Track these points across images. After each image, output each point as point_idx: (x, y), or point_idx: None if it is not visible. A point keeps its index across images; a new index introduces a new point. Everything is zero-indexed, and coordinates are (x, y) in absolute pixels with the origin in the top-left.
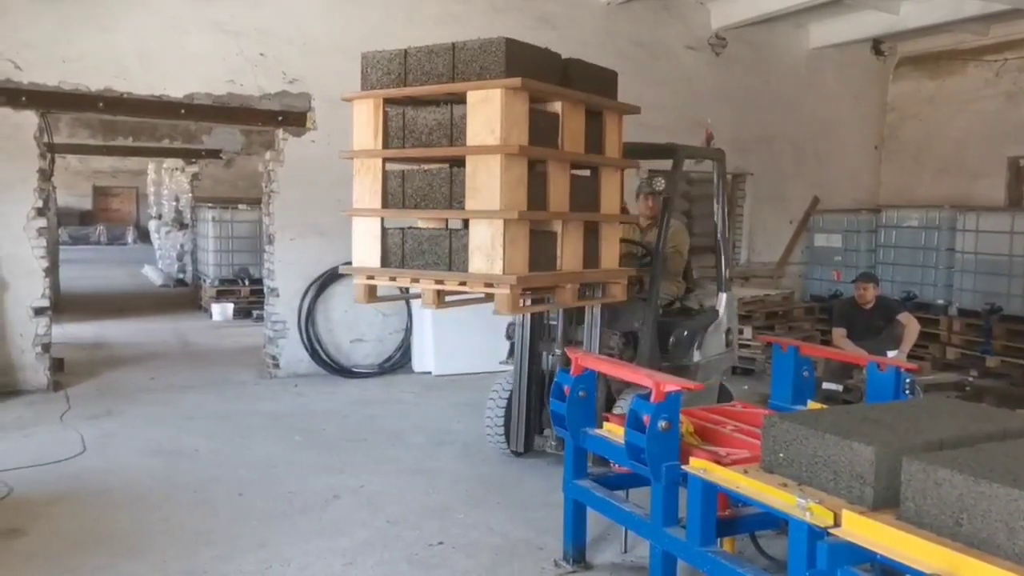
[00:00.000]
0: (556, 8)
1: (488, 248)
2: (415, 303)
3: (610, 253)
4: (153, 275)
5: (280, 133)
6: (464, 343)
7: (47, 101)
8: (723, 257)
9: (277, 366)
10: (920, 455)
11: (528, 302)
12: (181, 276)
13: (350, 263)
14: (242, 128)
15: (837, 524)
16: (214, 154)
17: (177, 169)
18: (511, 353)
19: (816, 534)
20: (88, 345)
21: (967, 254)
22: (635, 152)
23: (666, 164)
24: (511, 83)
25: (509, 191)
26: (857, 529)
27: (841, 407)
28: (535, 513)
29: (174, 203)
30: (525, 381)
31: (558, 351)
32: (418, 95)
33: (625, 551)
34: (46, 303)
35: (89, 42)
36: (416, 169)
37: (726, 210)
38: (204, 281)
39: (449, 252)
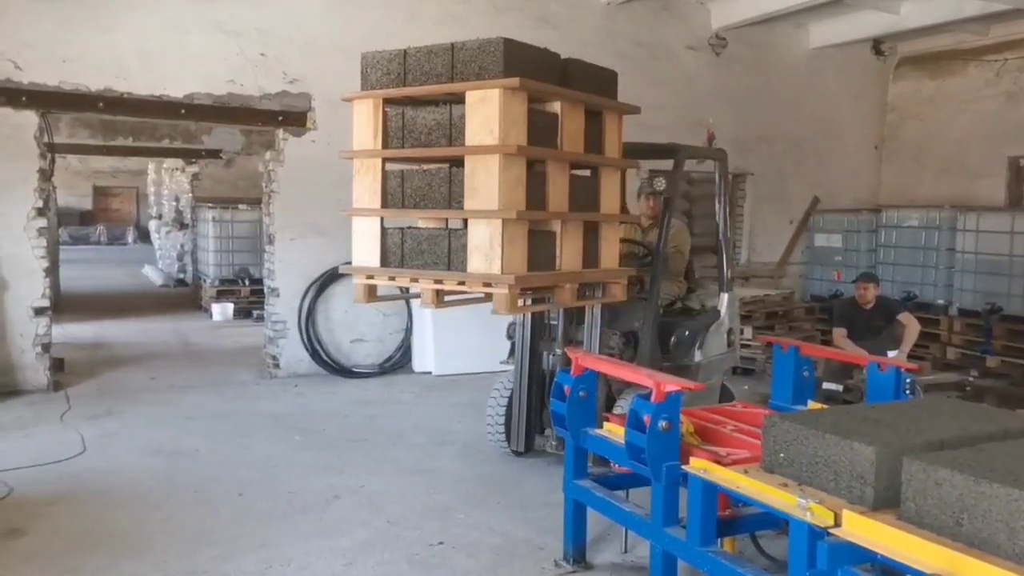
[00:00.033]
0: (556, 8)
1: (486, 248)
2: (415, 303)
3: (610, 253)
4: (153, 275)
5: (280, 133)
6: (464, 343)
7: (47, 101)
8: (725, 257)
9: (277, 366)
10: (921, 455)
11: (529, 302)
12: (181, 276)
13: (350, 263)
14: (242, 128)
15: (837, 524)
16: (214, 154)
17: (177, 169)
18: (512, 353)
19: (816, 534)
20: (88, 345)
21: (967, 254)
22: (636, 152)
23: (668, 164)
24: (509, 83)
25: (507, 191)
26: (857, 529)
27: (841, 407)
28: (535, 513)
29: (174, 203)
30: (526, 381)
31: (559, 351)
32: (417, 95)
33: (625, 551)
34: (46, 303)
35: (89, 42)
36: (415, 169)
37: (728, 210)
38: (204, 281)
39: (448, 252)
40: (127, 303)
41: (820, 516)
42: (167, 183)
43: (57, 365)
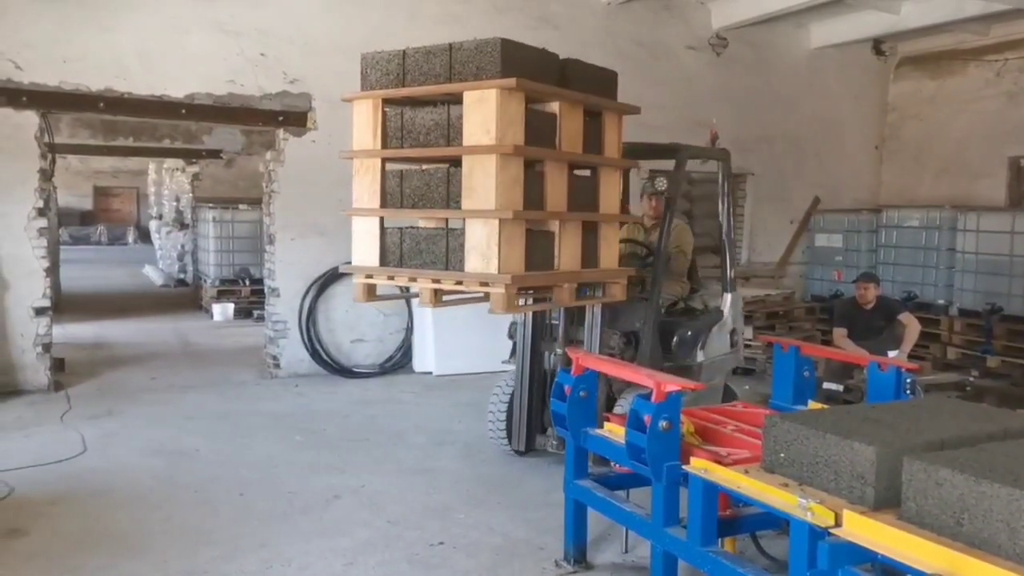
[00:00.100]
0: (557, 8)
1: (484, 247)
2: (415, 303)
3: (609, 253)
4: (154, 275)
5: (281, 133)
6: (465, 343)
7: (48, 101)
8: (728, 257)
9: (278, 366)
10: (921, 455)
11: (530, 301)
12: (182, 276)
13: (351, 263)
14: (243, 128)
15: (838, 524)
16: (215, 154)
17: (178, 169)
18: (513, 352)
19: (817, 534)
20: (89, 345)
21: (968, 254)
22: (638, 152)
23: (670, 164)
24: (506, 83)
25: (505, 191)
26: (858, 529)
27: (842, 407)
28: (536, 513)
29: (175, 203)
30: (527, 381)
31: (559, 351)
32: (416, 95)
33: (626, 551)
34: (47, 303)
35: (90, 42)
36: (414, 169)
37: (731, 210)
38: (205, 281)
39: (446, 251)
40: (127, 303)
41: (821, 516)
42: (167, 183)
43: (57, 365)
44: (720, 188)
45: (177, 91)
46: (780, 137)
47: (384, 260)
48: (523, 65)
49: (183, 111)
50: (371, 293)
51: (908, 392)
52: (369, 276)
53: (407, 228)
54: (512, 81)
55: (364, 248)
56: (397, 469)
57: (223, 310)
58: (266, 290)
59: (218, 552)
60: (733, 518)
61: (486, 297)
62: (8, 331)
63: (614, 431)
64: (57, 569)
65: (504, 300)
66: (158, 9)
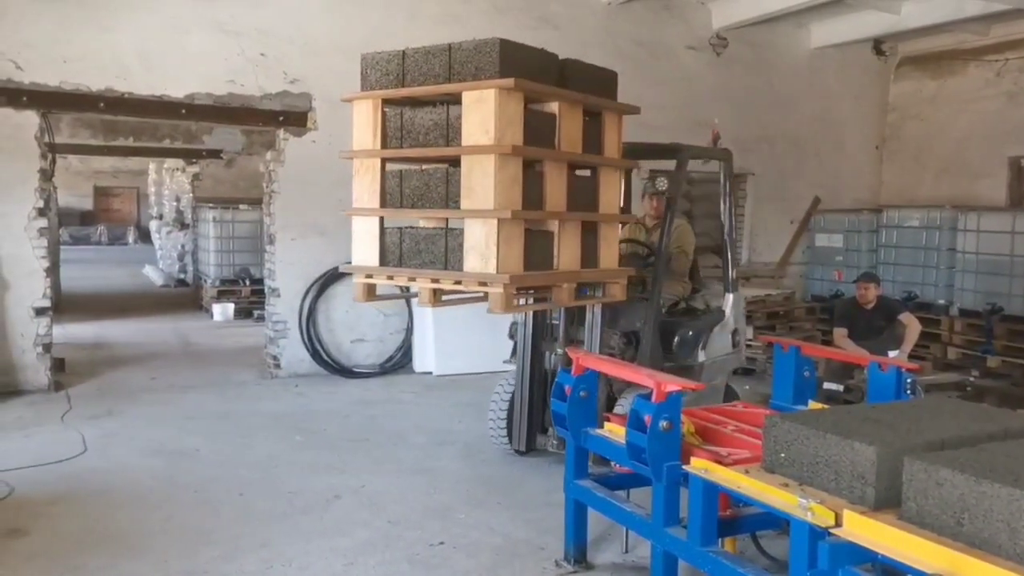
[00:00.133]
0: (557, 8)
1: (482, 247)
2: (415, 302)
3: (609, 253)
4: (154, 275)
5: (281, 133)
6: (465, 343)
7: (48, 101)
8: (730, 257)
9: (278, 366)
10: (922, 455)
11: (531, 301)
12: (182, 276)
13: (351, 263)
14: (243, 128)
15: (838, 524)
16: (215, 154)
17: (178, 169)
18: (514, 352)
19: (817, 534)
20: (89, 345)
21: (968, 254)
22: (639, 152)
23: (671, 164)
24: (505, 83)
25: (503, 191)
26: (858, 529)
27: (842, 407)
28: (536, 513)
29: (175, 203)
30: (527, 380)
31: (560, 351)
32: (415, 96)
33: (626, 551)
34: (47, 303)
35: (90, 42)
36: (414, 169)
37: (733, 211)
38: (205, 281)
39: (445, 251)
40: (128, 303)
41: (821, 516)
42: (168, 183)
43: (58, 365)
44: (722, 188)
45: (177, 91)
46: (780, 137)
47: (384, 260)
48: (522, 65)
49: (183, 111)
50: (371, 293)
51: (908, 392)
52: (369, 276)
53: (406, 228)
54: (510, 81)
55: (364, 248)
56: (397, 469)
57: (223, 310)
58: (266, 290)
59: (218, 552)
60: (733, 518)
61: (485, 297)
62: (8, 331)
63: (614, 431)
64: (57, 569)
65: (502, 300)
66: (158, 9)
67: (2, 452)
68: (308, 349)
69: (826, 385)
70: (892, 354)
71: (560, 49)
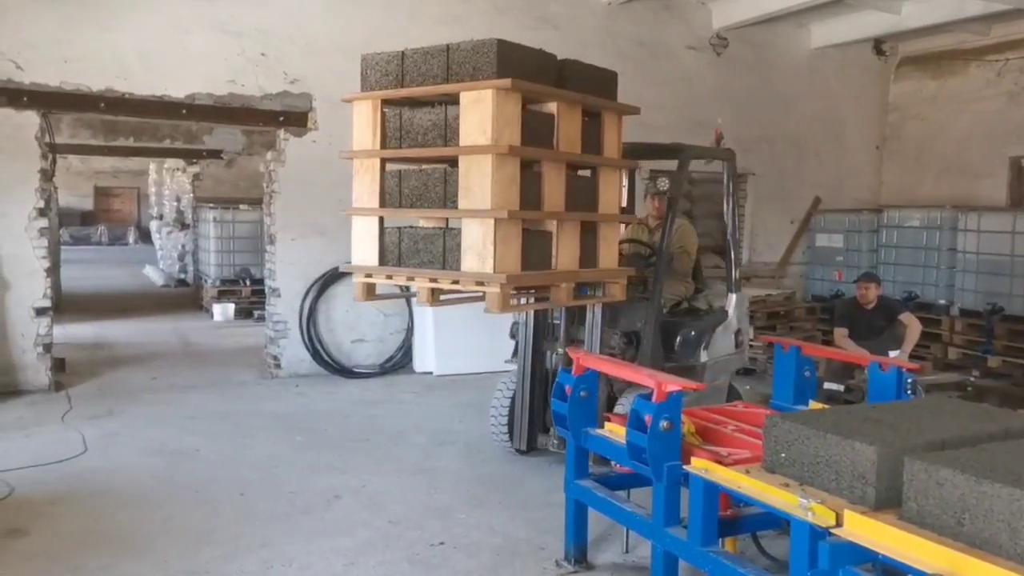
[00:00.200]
0: (557, 8)
1: (479, 247)
2: (415, 302)
3: (609, 253)
4: (154, 275)
5: (281, 133)
6: (465, 343)
7: (48, 101)
8: (733, 257)
9: (278, 366)
10: (922, 455)
11: (532, 300)
12: (182, 276)
13: (351, 262)
14: (243, 128)
15: (839, 524)
16: (215, 154)
17: (178, 169)
18: (516, 352)
19: (818, 534)
20: (89, 345)
21: (969, 254)
22: (641, 152)
23: (674, 164)
24: (502, 84)
25: (500, 191)
26: (859, 529)
27: (843, 407)
28: (536, 513)
29: (175, 203)
30: (528, 380)
31: (561, 350)
32: (414, 96)
33: (627, 551)
34: (47, 303)
35: (90, 42)
36: (413, 169)
37: (736, 210)
38: (205, 281)
39: (443, 251)
40: (128, 303)
41: (821, 516)
42: (168, 183)
43: (58, 365)
44: (725, 188)
45: (178, 91)
46: (781, 137)
47: (383, 259)
48: (520, 66)
49: (184, 111)
50: (371, 292)
51: (909, 392)
52: (368, 275)
53: (405, 228)
54: (508, 82)
55: (363, 247)
56: (398, 469)
57: (224, 310)
58: (267, 290)
59: (219, 552)
60: (734, 518)
61: (483, 296)
62: (9, 331)
63: (615, 431)
64: (58, 569)
65: (499, 299)
66: (159, 9)
67: (3, 452)
68: (308, 349)
69: (827, 385)
70: (893, 354)
71: (560, 49)
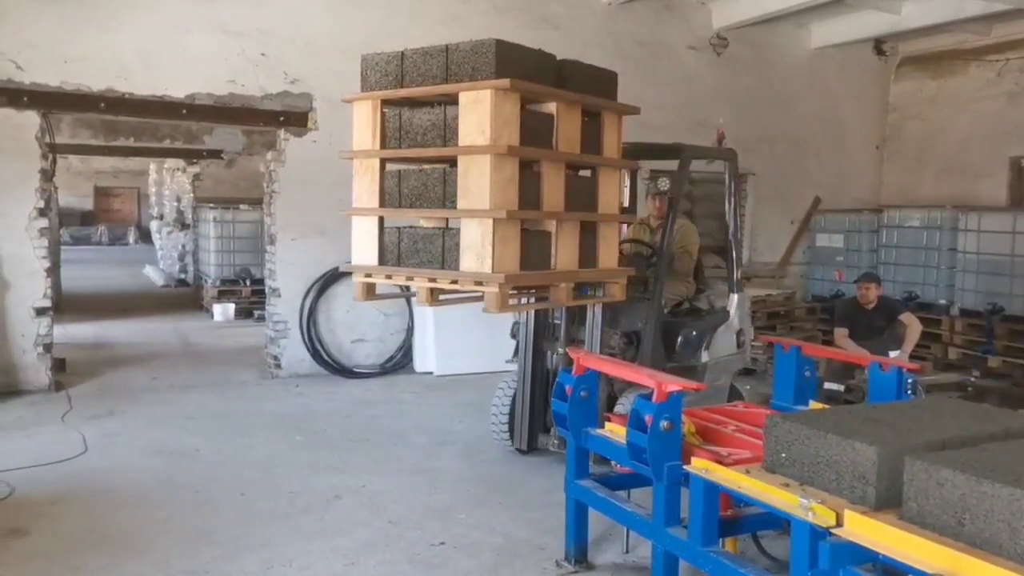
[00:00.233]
0: (557, 8)
1: (478, 247)
2: (415, 302)
3: (608, 253)
4: (154, 275)
5: (281, 133)
6: (465, 343)
7: (49, 101)
8: (734, 258)
9: (279, 366)
10: (922, 455)
11: (532, 299)
12: (183, 276)
13: (351, 262)
14: (243, 128)
15: (839, 524)
16: (215, 154)
17: (178, 169)
18: (517, 352)
19: (818, 534)
20: (89, 345)
21: (969, 254)
22: (642, 152)
23: (675, 164)
24: (500, 84)
25: (499, 191)
26: (859, 529)
27: (843, 407)
28: (537, 513)
29: (175, 203)
30: (529, 380)
31: (561, 350)
32: (414, 96)
33: (627, 551)
34: (48, 303)
35: (91, 42)
36: (412, 169)
37: (738, 211)
38: (205, 281)
39: (442, 251)
40: (128, 303)
41: (822, 516)
42: (168, 183)
43: (58, 365)
44: (727, 189)
45: (178, 91)
46: (781, 137)
47: (382, 259)
48: (519, 66)
49: (184, 111)
50: (370, 292)
51: (909, 392)
52: (368, 275)
53: (405, 228)
54: (506, 82)
55: (363, 247)
56: (398, 469)
57: (224, 310)
58: (267, 290)
59: (219, 552)
60: (734, 518)
61: (482, 296)
62: (9, 331)
63: (615, 431)
64: (58, 569)
65: (497, 299)
66: (159, 9)
67: (3, 452)
68: (309, 349)
69: (827, 385)
70: (893, 354)
71: (560, 49)
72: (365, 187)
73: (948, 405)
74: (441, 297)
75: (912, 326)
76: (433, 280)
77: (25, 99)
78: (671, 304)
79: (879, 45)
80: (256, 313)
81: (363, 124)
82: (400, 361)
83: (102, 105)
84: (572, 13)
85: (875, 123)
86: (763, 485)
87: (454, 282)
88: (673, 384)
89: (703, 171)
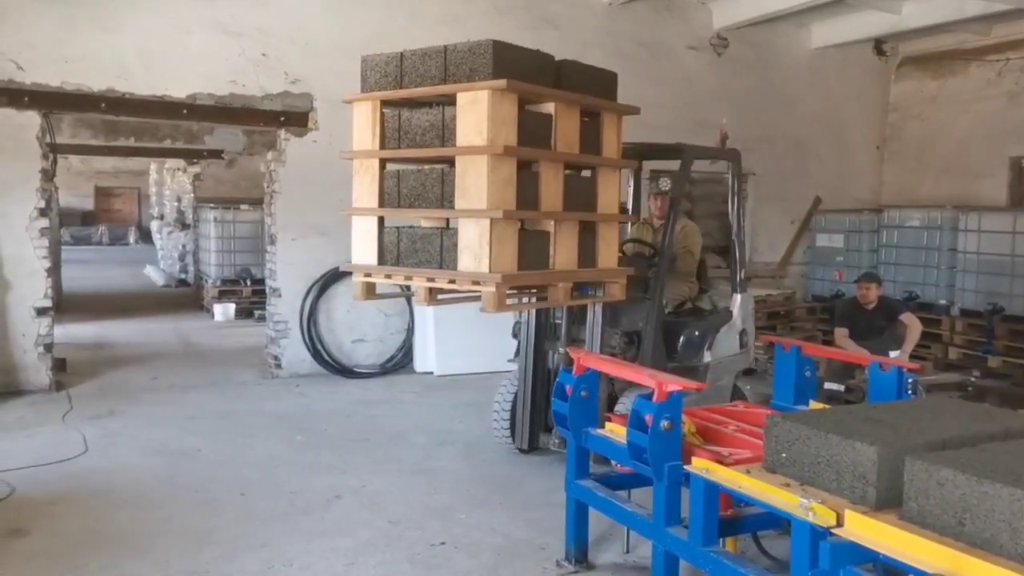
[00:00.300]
0: (558, 8)
1: (476, 247)
2: (415, 302)
3: (608, 253)
4: (155, 275)
5: (282, 133)
6: (466, 343)
7: (49, 101)
8: (738, 257)
9: (279, 366)
10: (923, 455)
11: (533, 299)
12: (183, 276)
13: (351, 262)
14: (244, 128)
15: (840, 524)
16: (216, 154)
17: (179, 169)
18: (518, 351)
19: (819, 534)
20: (90, 345)
21: (969, 254)
22: (644, 152)
23: (677, 165)
24: (497, 84)
25: (496, 191)
26: (860, 529)
27: (843, 407)
28: (537, 513)
29: (176, 203)
30: (530, 379)
31: (562, 350)
32: (413, 97)
33: (627, 551)
34: (48, 303)
35: (91, 42)
36: (411, 169)
37: (740, 211)
38: (206, 281)
39: (440, 250)
40: (129, 303)
41: (822, 516)
42: (169, 183)
43: (59, 365)
44: (730, 189)
45: (178, 91)
46: (781, 137)
47: (382, 259)
48: (517, 66)
49: (184, 111)
50: (370, 291)
51: (910, 392)
52: (367, 275)
53: (404, 227)
54: (503, 82)
55: (363, 247)
56: (398, 469)
57: (224, 310)
58: (267, 290)
59: (219, 552)
60: (735, 518)
61: (480, 296)
62: (10, 331)
63: (615, 431)
64: (58, 569)
65: (494, 299)
66: (159, 9)
67: (3, 452)
68: (309, 349)
69: (827, 385)
70: (893, 354)
71: (561, 49)
72: (365, 187)
73: (948, 405)
74: (440, 297)
75: (912, 326)
76: (431, 280)
77: (26, 99)
78: (674, 304)
79: (879, 45)
80: (256, 313)
81: (363, 124)
82: (400, 361)
83: (103, 105)
84: (572, 13)
85: (875, 123)
86: (763, 485)
87: (452, 282)
88: (673, 384)
89: (703, 171)
